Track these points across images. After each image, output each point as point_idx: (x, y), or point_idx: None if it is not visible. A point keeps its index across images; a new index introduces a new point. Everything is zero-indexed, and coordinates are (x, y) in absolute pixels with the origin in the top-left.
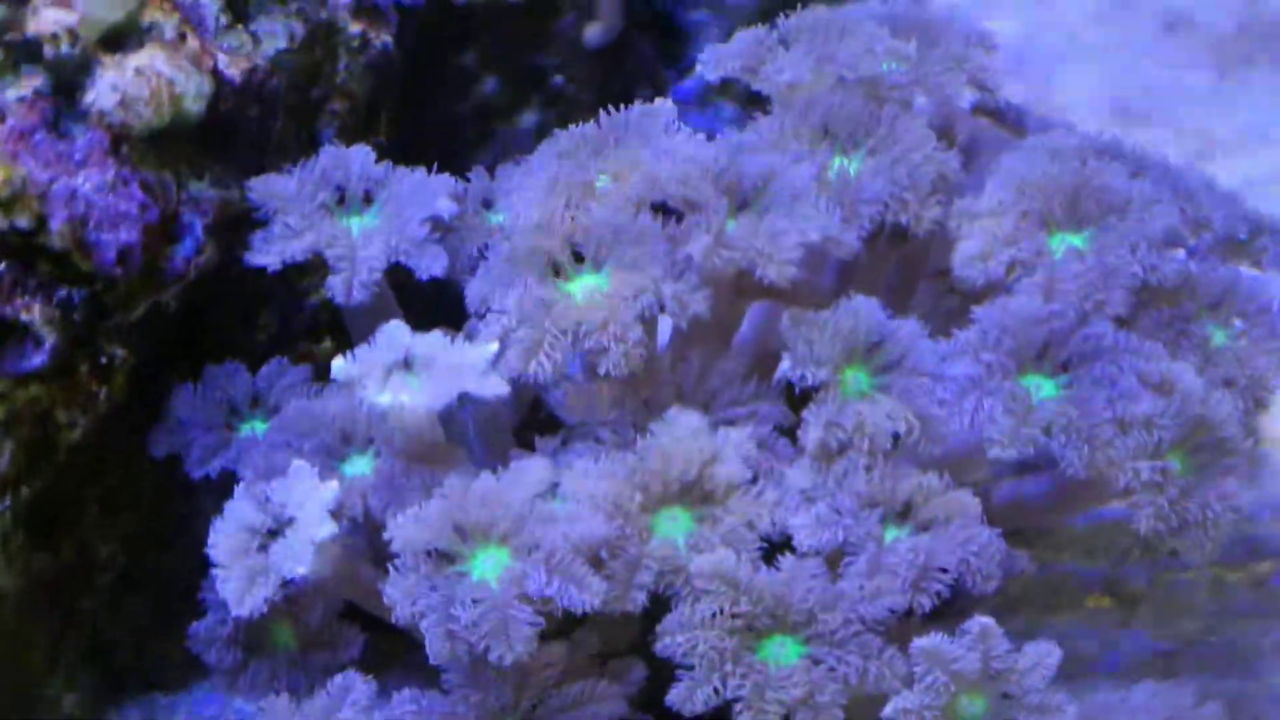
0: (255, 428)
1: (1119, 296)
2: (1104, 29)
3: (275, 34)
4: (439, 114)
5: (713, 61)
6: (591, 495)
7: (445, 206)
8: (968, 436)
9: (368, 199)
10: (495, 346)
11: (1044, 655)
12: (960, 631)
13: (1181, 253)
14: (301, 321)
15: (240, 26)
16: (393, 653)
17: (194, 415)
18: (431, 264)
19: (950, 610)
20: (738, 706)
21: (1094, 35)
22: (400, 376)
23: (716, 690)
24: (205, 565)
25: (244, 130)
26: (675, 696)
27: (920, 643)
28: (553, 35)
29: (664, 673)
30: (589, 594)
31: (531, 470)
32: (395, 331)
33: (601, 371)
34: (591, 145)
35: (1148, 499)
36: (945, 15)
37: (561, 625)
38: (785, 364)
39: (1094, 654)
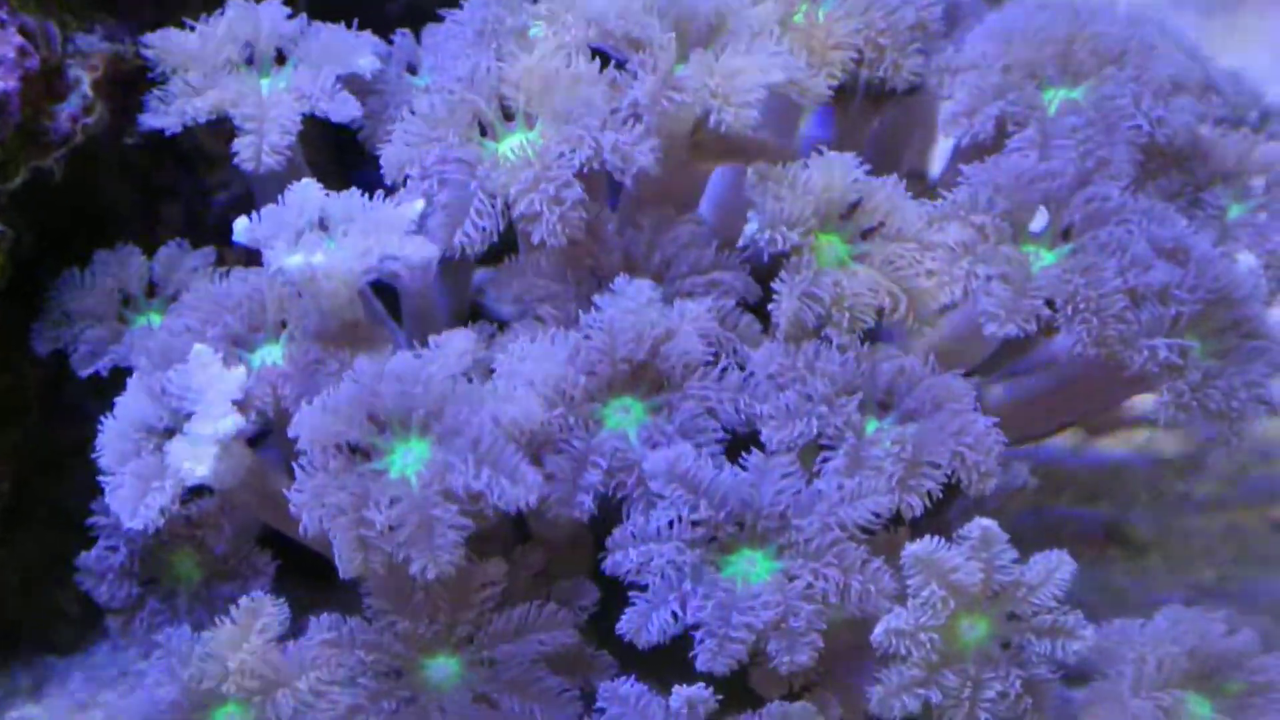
0: (151, 319)
1: (1123, 153)
2: None
3: None
4: (366, 8)
5: None
6: (529, 378)
7: (367, 64)
8: (958, 317)
9: (280, 59)
10: (421, 204)
11: (1055, 567)
12: (958, 537)
13: (1189, 100)
14: (209, 220)
15: None
16: (318, 599)
17: (82, 305)
18: (342, 108)
19: (941, 519)
20: (699, 634)
21: None
22: (314, 237)
23: (675, 615)
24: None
25: None
26: (627, 624)
27: (913, 548)
28: None
29: (619, 600)
30: (523, 488)
31: (455, 342)
32: (307, 190)
33: (535, 239)
34: None
35: (1166, 383)
36: None
37: (496, 535)
38: (751, 225)
39: (1100, 604)
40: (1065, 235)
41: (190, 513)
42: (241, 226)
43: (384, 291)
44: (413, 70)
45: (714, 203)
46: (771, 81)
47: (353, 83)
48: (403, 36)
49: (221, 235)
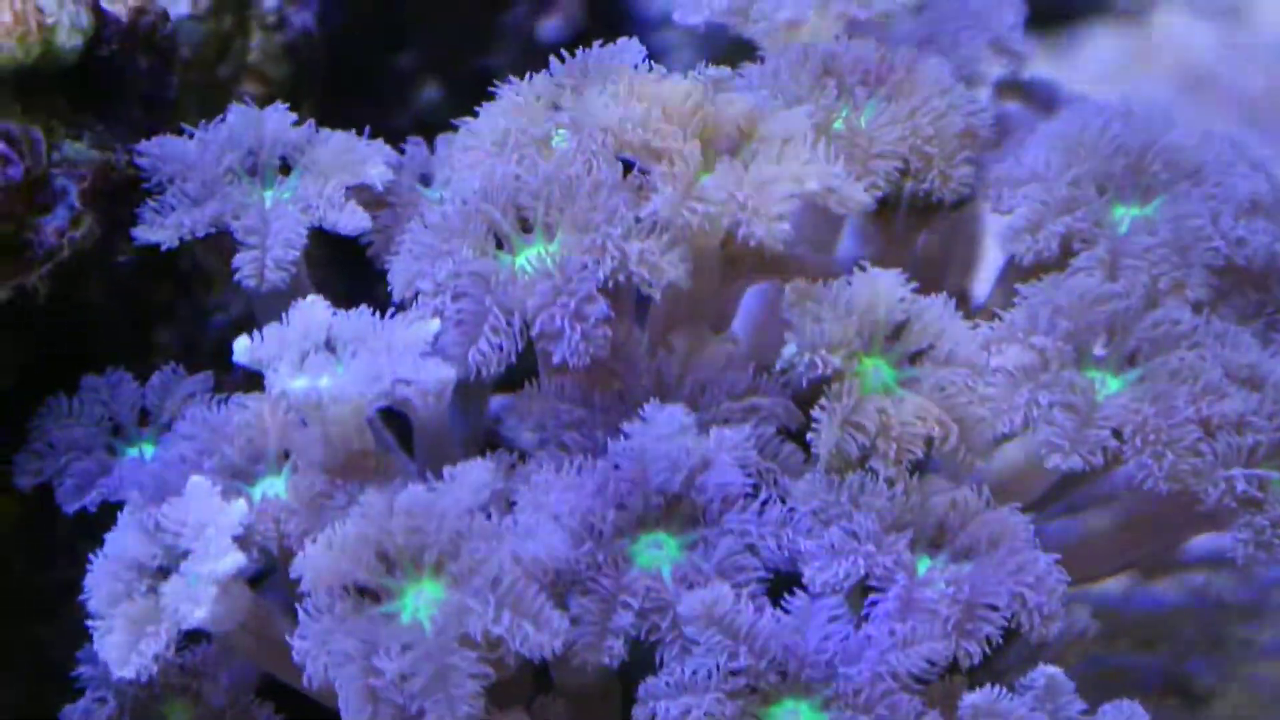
0: (144, 450)
1: (1198, 276)
2: None
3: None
4: (373, 123)
5: (693, 6)
6: (553, 512)
7: (378, 173)
8: (1016, 449)
9: (285, 169)
10: (436, 324)
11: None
12: (1020, 686)
13: (1268, 221)
14: (206, 344)
15: None
16: None
17: (68, 435)
18: (351, 220)
19: (1001, 663)
20: None
21: None
22: (321, 359)
23: None
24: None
25: (133, 84)
26: None
27: (972, 698)
28: (502, 31)
29: None
30: (548, 633)
31: (472, 474)
32: (314, 308)
33: (557, 359)
34: (547, 96)
35: (1243, 518)
36: None
37: (516, 684)
38: (789, 348)
39: None
40: (1131, 360)
41: (185, 661)
42: (242, 346)
43: (393, 419)
44: (426, 182)
45: (750, 322)
46: (806, 191)
47: (363, 194)
48: (415, 146)
49: (220, 360)
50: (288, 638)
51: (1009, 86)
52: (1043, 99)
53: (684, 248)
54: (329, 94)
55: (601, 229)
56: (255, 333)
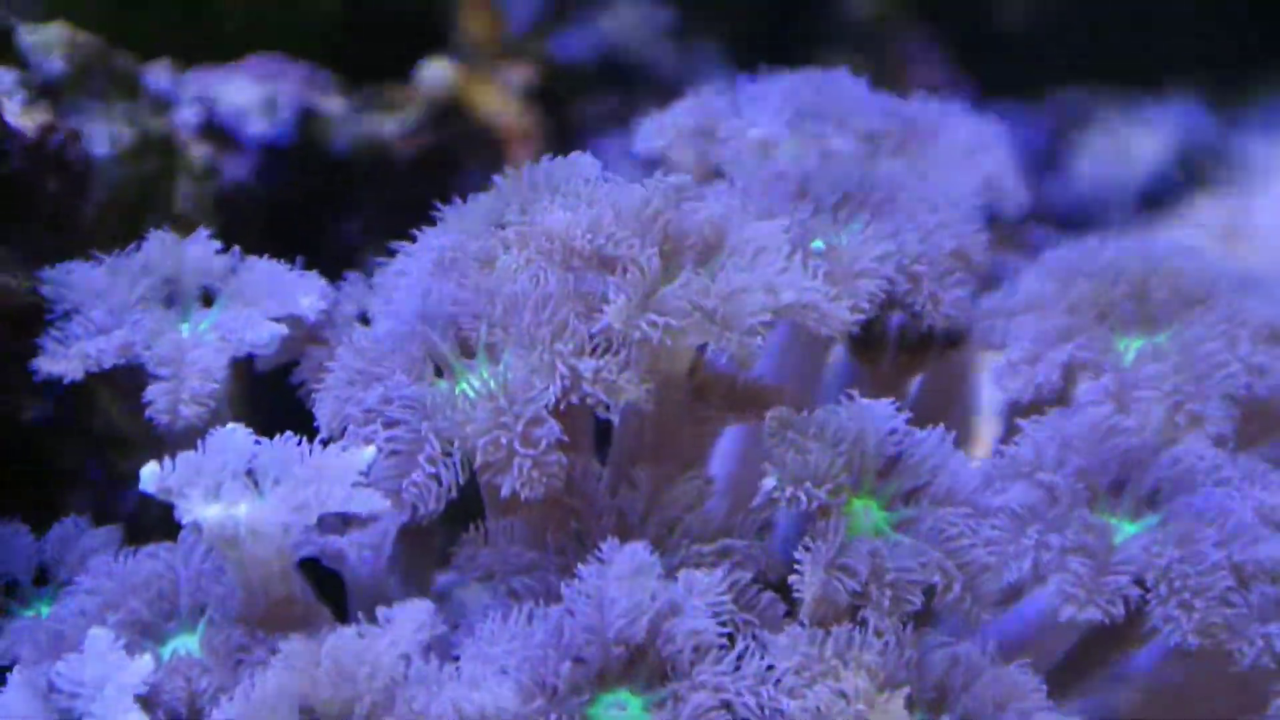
0: (40, 612)
1: (1218, 407)
2: None
3: (94, 137)
4: (318, 238)
5: (655, 129)
6: (501, 664)
7: (309, 304)
8: (1025, 605)
9: (207, 301)
10: (371, 451)
11: None
12: None
13: None
14: (121, 515)
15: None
16: None
17: None
18: (259, 333)
19: None
20: None
21: None
22: (239, 486)
23: None
24: None
25: (40, 206)
26: None
27: None
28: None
29: None
30: None
31: (409, 613)
32: (233, 435)
33: (505, 491)
34: (492, 214)
35: None
36: (937, 110)
37: None
38: (769, 481)
39: None
40: (1150, 503)
41: None
42: (150, 473)
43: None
44: (365, 320)
45: (725, 467)
46: (782, 305)
47: (294, 329)
48: (353, 280)
49: (136, 535)
50: None
51: (1005, 236)
52: (1036, 240)
53: (643, 367)
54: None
55: (550, 345)
56: (165, 459)
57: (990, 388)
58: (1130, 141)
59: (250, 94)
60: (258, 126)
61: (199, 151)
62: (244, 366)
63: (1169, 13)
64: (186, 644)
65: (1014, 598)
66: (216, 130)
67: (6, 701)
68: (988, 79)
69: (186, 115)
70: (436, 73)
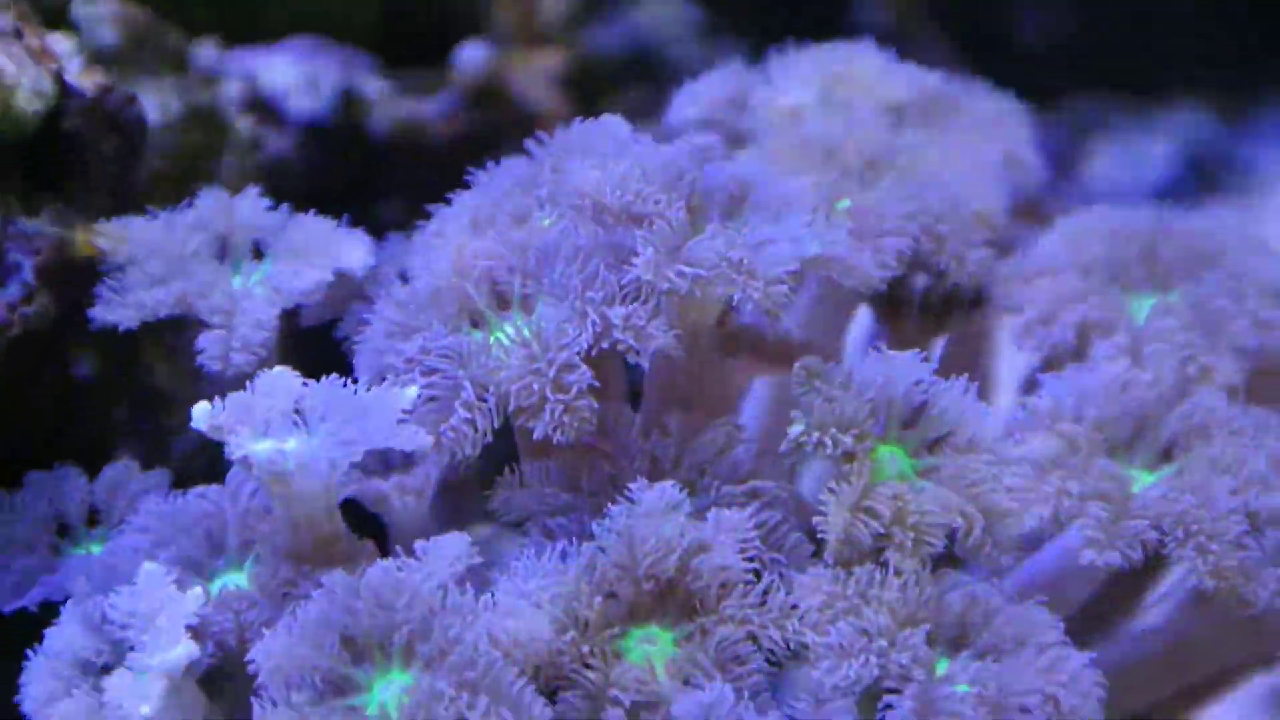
0: (92, 551)
1: (1230, 361)
2: None
3: (145, 106)
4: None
5: (688, 98)
6: (535, 599)
7: (358, 259)
8: (1046, 552)
9: (258, 254)
10: (415, 390)
11: None
12: None
13: None
14: (168, 469)
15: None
16: None
17: (9, 531)
18: (302, 280)
19: None
20: None
21: None
22: (287, 425)
23: None
24: None
25: (96, 166)
26: None
27: None
28: None
29: None
30: None
31: (447, 546)
32: (282, 376)
33: (538, 435)
34: (524, 181)
35: None
36: (961, 86)
37: None
38: (796, 427)
39: None
40: (1166, 455)
41: None
42: (201, 411)
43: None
44: (405, 280)
45: (754, 413)
46: (807, 256)
47: (342, 285)
48: (394, 241)
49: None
50: None
51: (1025, 210)
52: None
53: (672, 317)
54: None
55: (581, 294)
56: (216, 399)
57: (1009, 361)
58: (1141, 148)
59: (293, 73)
60: (300, 104)
61: (243, 125)
62: (290, 323)
63: (1178, 24)
64: (235, 580)
65: (1034, 549)
66: (261, 106)
67: (60, 632)
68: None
69: (232, 91)
70: (474, 55)
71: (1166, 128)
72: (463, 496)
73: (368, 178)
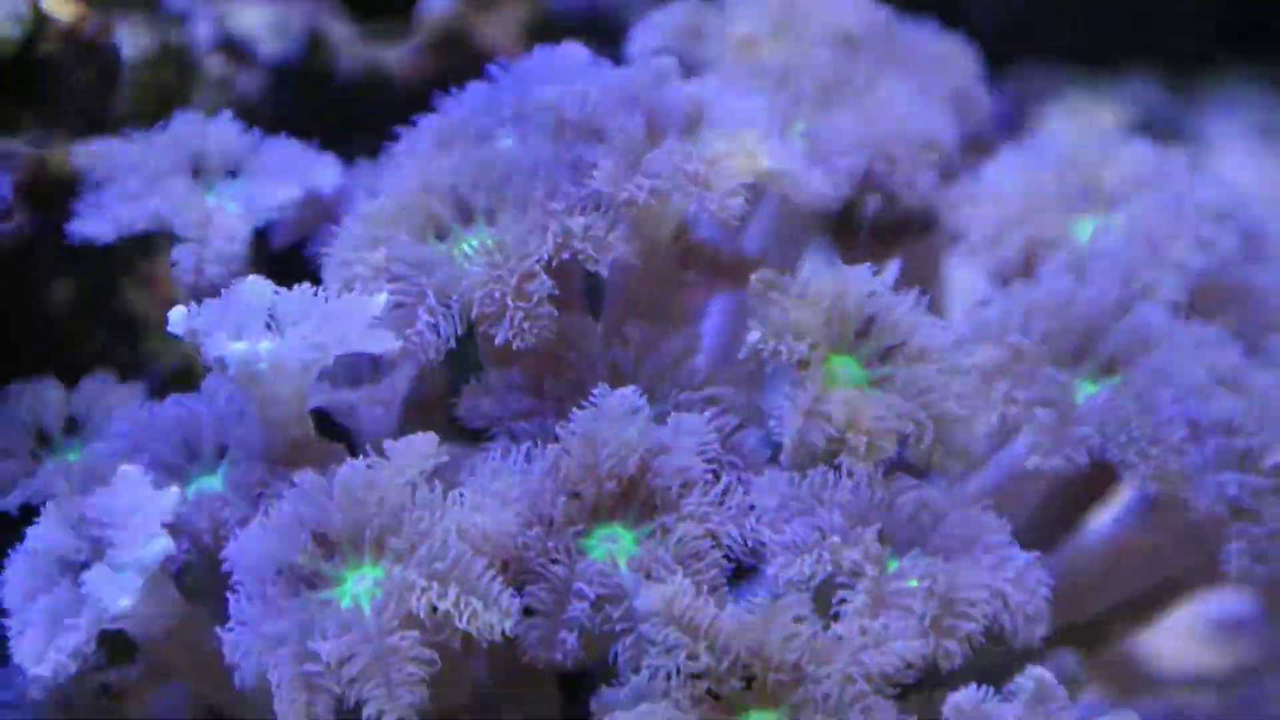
0: (69, 459)
1: (1172, 276)
2: None
3: (119, 40)
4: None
5: (646, 27)
6: (501, 497)
7: (328, 179)
8: (994, 460)
9: (232, 176)
10: (384, 297)
11: None
12: (1007, 692)
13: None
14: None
15: None
16: None
17: None
18: (274, 194)
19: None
20: None
21: None
22: (261, 328)
23: None
24: None
25: (73, 90)
26: None
27: (956, 698)
28: None
29: None
30: (497, 612)
31: (414, 445)
32: (256, 284)
33: (499, 340)
34: (488, 104)
35: (1236, 527)
36: (913, 25)
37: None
38: (752, 335)
39: None
40: (1109, 369)
41: (109, 679)
42: (177, 315)
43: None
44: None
45: (712, 327)
46: (761, 169)
47: (312, 204)
48: (366, 166)
49: None
50: (216, 648)
51: (973, 146)
52: None
53: (631, 226)
54: None
55: (542, 205)
56: (192, 303)
57: (959, 284)
58: (1091, 115)
59: (262, 14)
60: (269, 44)
61: (214, 64)
62: (262, 244)
63: (1130, 7)
64: (210, 484)
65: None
66: (230, 46)
67: (41, 531)
68: None
69: (202, 30)
70: (440, 4)
71: (1116, 96)
72: (431, 415)
73: (335, 118)
